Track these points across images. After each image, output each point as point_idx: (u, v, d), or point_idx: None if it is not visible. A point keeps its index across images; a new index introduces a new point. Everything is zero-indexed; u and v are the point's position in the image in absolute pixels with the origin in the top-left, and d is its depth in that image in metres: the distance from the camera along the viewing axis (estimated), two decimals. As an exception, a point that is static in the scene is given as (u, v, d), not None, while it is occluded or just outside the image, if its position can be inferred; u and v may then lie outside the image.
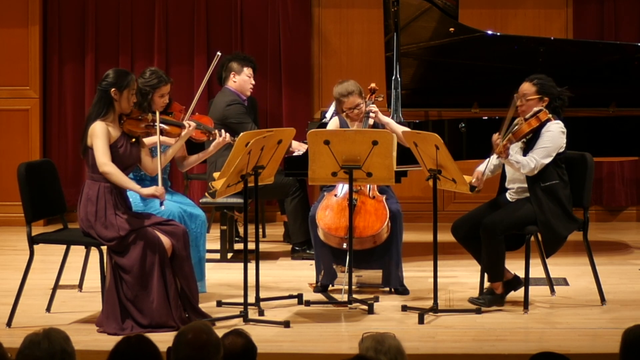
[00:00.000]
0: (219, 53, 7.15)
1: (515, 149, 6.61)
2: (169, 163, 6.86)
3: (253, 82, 8.27)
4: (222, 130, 6.82)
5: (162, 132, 6.43)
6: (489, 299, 6.70)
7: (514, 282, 6.76)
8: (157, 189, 6.21)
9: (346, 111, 7.23)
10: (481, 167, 6.81)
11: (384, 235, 7.01)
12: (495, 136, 6.51)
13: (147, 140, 6.48)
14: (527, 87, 6.69)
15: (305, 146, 7.57)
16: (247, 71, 8.22)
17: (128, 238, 6.17)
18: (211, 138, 6.77)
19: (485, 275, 6.75)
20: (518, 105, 6.69)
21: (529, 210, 6.59)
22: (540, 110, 6.61)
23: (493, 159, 6.75)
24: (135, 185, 6.30)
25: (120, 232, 6.17)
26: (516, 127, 6.56)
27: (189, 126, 6.54)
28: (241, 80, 8.17)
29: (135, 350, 3.71)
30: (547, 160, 6.56)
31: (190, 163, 6.92)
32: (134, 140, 6.28)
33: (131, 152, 6.26)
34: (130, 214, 6.30)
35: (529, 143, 6.59)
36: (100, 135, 6.14)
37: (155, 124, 6.31)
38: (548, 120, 6.60)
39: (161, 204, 6.23)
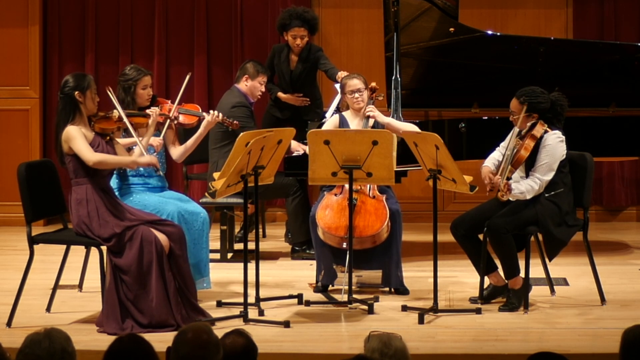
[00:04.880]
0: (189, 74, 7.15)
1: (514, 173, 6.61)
2: (164, 159, 6.91)
3: (263, 89, 8.29)
4: (212, 111, 6.87)
5: (133, 125, 6.53)
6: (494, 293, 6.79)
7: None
8: (151, 157, 6.39)
9: (347, 96, 7.27)
10: (488, 163, 6.79)
11: (383, 235, 7.01)
12: (496, 178, 6.47)
13: (123, 142, 6.58)
14: (514, 105, 6.65)
15: (305, 146, 7.58)
16: (261, 78, 8.22)
17: (124, 237, 6.18)
18: (202, 118, 6.82)
19: (502, 273, 6.75)
20: (511, 119, 6.69)
21: (531, 211, 6.59)
22: (534, 126, 6.58)
23: (496, 155, 6.78)
24: (128, 157, 6.38)
25: (116, 228, 6.19)
26: (515, 156, 6.51)
27: (153, 112, 6.63)
28: (252, 85, 8.18)
29: (129, 350, 3.72)
30: (550, 175, 6.55)
31: (187, 150, 6.95)
32: (108, 138, 6.36)
33: (109, 150, 6.32)
34: (124, 211, 6.32)
35: (531, 156, 6.57)
36: (76, 135, 6.21)
37: (123, 119, 6.39)
38: (545, 131, 6.58)
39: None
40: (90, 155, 6.19)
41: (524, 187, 6.52)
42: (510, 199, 6.62)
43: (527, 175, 6.60)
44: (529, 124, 6.59)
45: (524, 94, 6.64)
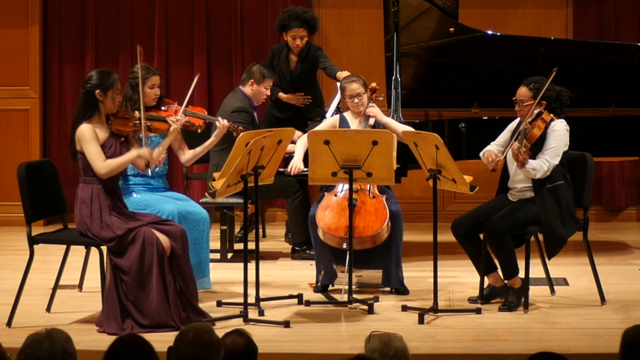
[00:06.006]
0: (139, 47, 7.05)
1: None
2: (166, 161, 6.90)
3: (269, 93, 8.29)
4: (219, 118, 6.87)
5: (151, 129, 6.49)
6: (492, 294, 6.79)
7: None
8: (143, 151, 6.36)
9: (347, 100, 7.25)
10: (493, 148, 6.79)
11: (383, 235, 7.01)
12: (515, 145, 6.44)
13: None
14: (523, 92, 6.67)
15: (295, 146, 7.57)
16: (267, 83, 8.22)
17: (126, 238, 6.18)
18: (207, 121, 6.80)
19: (501, 273, 6.75)
20: (517, 110, 6.70)
21: (531, 211, 6.59)
22: (541, 112, 6.61)
23: (493, 148, 6.78)
24: (129, 153, 6.28)
25: (117, 231, 6.18)
26: (527, 132, 6.51)
27: (175, 121, 6.56)
28: (257, 90, 8.18)
29: (129, 350, 3.72)
30: (557, 160, 6.56)
31: (196, 155, 6.94)
32: (122, 139, 6.32)
33: (121, 152, 6.27)
34: (126, 214, 6.31)
35: (536, 144, 6.58)
36: (89, 139, 6.16)
37: (143, 121, 6.34)
38: (552, 119, 6.60)
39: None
40: (99, 166, 6.15)
41: (536, 165, 6.50)
42: (514, 193, 6.63)
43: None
44: (535, 112, 6.59)
45: (532, 81, 6.67)
